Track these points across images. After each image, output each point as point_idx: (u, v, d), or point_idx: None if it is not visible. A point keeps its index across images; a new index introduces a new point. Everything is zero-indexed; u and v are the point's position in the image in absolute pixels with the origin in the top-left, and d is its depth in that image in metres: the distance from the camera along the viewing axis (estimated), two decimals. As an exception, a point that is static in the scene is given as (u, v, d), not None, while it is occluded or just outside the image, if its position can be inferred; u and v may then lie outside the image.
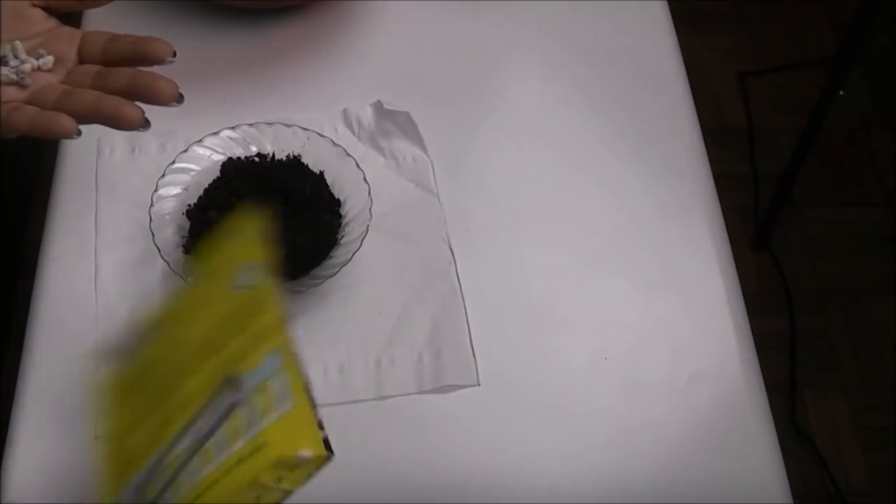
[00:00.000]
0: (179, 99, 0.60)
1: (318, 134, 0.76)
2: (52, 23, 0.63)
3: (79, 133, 0.59)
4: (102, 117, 0.58)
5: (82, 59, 0.62)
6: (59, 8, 0.63)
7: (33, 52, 0.60)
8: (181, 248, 0.72)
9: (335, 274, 0.71)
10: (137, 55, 0.61)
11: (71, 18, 0.66)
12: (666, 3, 0.91)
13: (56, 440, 0.68)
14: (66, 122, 0.58)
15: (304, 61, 0.87)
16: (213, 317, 0.59)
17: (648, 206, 0.80)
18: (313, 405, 0.57)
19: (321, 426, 0.57)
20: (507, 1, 0.91)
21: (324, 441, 0.56)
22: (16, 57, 0.60)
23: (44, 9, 0.63)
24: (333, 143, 0.76)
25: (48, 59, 0.60)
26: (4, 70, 0.58)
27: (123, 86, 0.59)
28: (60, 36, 0.62)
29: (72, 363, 0.71)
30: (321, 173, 0.75)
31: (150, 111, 0.67)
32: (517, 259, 0.77)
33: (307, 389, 0.57)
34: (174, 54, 0.61)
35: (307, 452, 0.54)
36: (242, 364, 0.57)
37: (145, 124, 0.59)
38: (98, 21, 0.89)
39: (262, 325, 0.58)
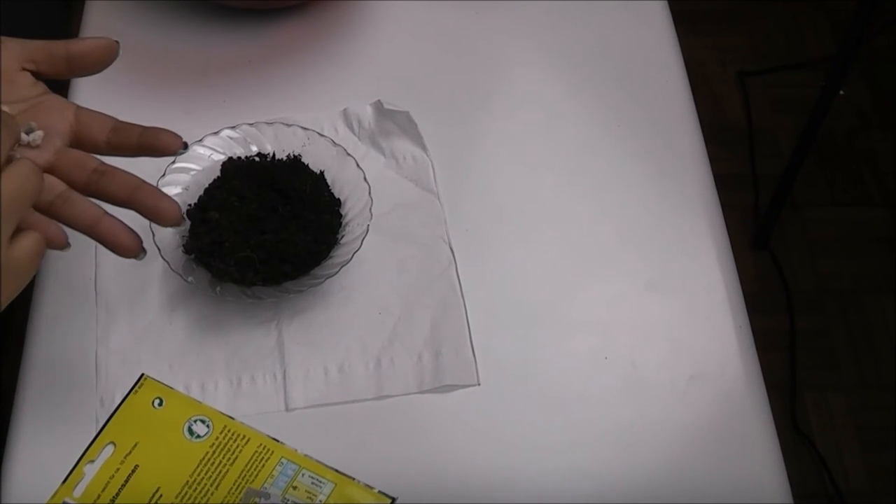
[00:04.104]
0: (181, 222, 0.58)
1: (318, 134, 0.77)
2: (41, 88, 0.58)
3: (144, 253, 0.57)
4: (98, 238, 0.56)
5: (81, 142, 0.58)
6: (50, 75, 0.59)
7: (21, 123, 0.55)
8: (181, 248, 0.72)
9: (335, 274, 0.71)
10: (145, 147, 0.58)
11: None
12: (666, 3, 0.91)
13: (56, 440, 0.68)
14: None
15: (304, 61, 0.87)
16: (188, 466, 0.64)
17: (648, 205, 0.80)
18: (352, 478, 0.64)
19: (370, 486, 0.64)
20: (507, 1, 0.91)
21: (380, 492, 0.63)
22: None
23: (33, 73, 0.58)
24: (333, 142, 0.76)
25: (38, 135, 0.56)
26: None
27: (125, 198, 0.56)
28: (50, 107, 0.58)
29: (72, 363, 0.71)
30: (321, 173, 0.75)
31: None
32: (517, 259, 0.77)
33: (338, 471, 0.64)
34: (185, 146, 0.58)
35: None
36: (256, 480, 0.63)
37: (141, 254, 0.57)
38: (98, 22, 0.89)
39: (251, 450, 0.65)
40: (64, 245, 0.55)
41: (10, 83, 0.57)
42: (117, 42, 0.59)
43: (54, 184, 0.56)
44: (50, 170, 0.56)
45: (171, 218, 0.57)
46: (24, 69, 0.58)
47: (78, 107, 0.59)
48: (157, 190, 0.58)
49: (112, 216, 0.57)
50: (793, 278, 1.70)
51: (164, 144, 0.58)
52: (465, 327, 0.73)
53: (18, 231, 0.49)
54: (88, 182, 0.57)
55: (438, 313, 0.73)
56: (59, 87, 0.62)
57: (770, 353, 1.61)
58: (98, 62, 0.59)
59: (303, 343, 0.72)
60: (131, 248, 0.57)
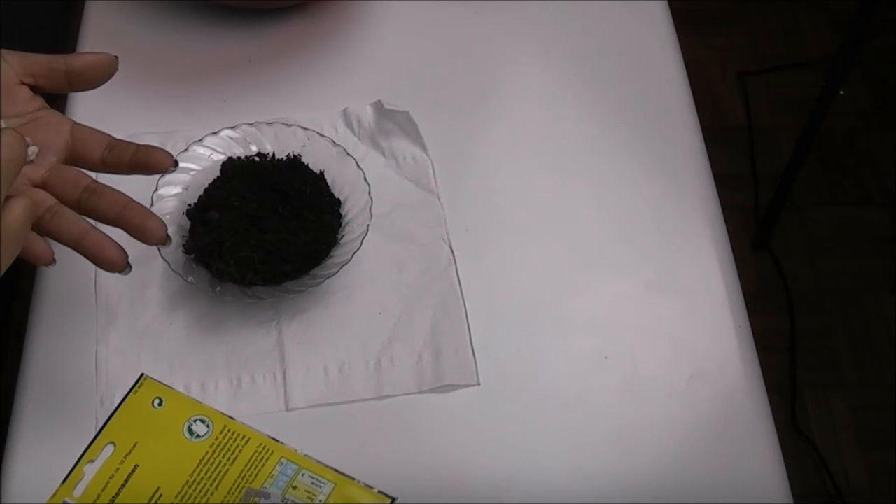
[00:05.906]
0: (166, 241, 0.58)
1: (318, 133, 0.77)
2: (39, 102, 0.59)
3: (129, 268, 0.57)
4: (84, 252, 0.56)
5: (76, 158, 0.58)
6: (49, 89, 0.59)
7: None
8: (181, 248, 0.72)
9: (335, 274, 0.71)
10: (137, 165, 0.58)
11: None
12: (666, 3, 0.91)
13: (56, 440, 0.68)
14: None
15: (304, 61, 0.87)
16: (188, 466, 0.64)
17: (648, 205, 0.80)
18: (352, 478, 0.64)
19: (370, 486, 0.64)
20: (507, 1, 0.91)
21: (379, 492, 0.63)
22: None
23: (31, 87, 0.58)
24: (333, 142, 0.76)
25: (33, 150, 0.56)
26: None
27: (114, 216, 0.57)
28: (47, 123, 0.58)
29: (72, 363, 0.71)
30: (321, 173, 0.75)
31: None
32: (517, 259, 0.77)
33: (338, 471, 0.64)
34: (176, 164, 0.59)
35: None
36: (256, 480, 0.63)
37: (126, 269, 0.58)
38: (98, 23, 0.89)
39: (251, 450, 0.64)
40: (50, 261, 0.55)
41: (8, 97, 0.57)
42: (116, 57, 0.59)
43: (44, 198, 0.56)
44: (42, 185, 0.57)
45: (158, 237, 0.57)
46: (22, 83, 0.58)
47: (74, 123, 0.59)
48: (144, 209, 0.58)
49: (99, 230, 0.57)
50: (793, 278, 1.70)
51: (155, 162, 0.58)
52: (465, 327, 0.73)
53: (6, 199, 0.49)
54: (79, 199, 0.57)
55: (438, 313, 0.73)
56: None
57: (770, 353, 1.61)
58: (97, 78, 0.59)
59: (303, 343, 0.72)
60: (117, 263, 0.57)
